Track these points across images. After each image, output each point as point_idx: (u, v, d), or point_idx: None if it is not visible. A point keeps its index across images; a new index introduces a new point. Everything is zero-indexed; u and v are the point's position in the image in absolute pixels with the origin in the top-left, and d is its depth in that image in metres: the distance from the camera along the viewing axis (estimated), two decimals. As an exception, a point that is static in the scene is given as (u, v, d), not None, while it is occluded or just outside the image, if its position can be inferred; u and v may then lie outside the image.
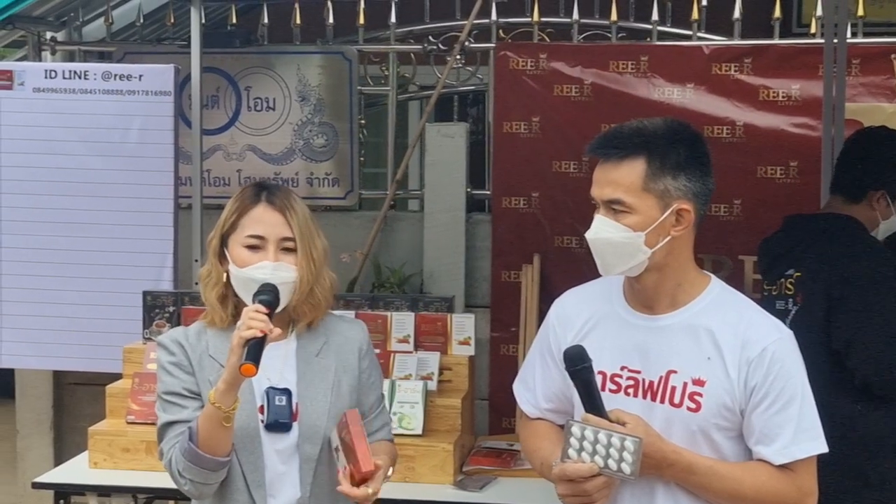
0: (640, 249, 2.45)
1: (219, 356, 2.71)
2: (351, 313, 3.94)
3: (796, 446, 2.45)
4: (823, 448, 2.49)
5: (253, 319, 2.55)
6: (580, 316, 2.62)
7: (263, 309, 2.59)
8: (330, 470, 2.76)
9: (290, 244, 2.72)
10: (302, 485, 2.74)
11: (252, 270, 2.68)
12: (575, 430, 2.41)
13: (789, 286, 3.57)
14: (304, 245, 2.72)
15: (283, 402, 2.72)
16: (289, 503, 2.73)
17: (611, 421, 2.40)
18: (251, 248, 2.71)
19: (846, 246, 3.47)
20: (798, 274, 3.55)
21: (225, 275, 2.75)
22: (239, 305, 2.74)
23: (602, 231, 2.48)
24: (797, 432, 2.45)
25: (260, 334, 2.54)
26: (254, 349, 2.53)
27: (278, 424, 2.71)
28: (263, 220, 2.72)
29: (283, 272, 2.69)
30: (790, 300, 3.55)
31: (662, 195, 2.45)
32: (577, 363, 2.45)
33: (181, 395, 2.73)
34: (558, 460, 2.44)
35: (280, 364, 2.76)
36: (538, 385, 2.71)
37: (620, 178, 2.45)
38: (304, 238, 2.72)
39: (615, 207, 2.46)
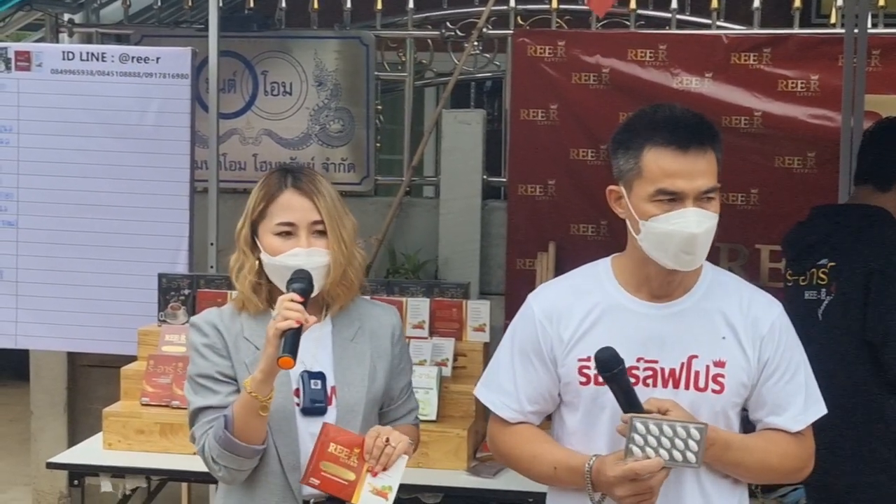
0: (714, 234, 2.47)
1: (254, 339, 2.71)
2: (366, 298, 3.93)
3: (807, 412, 2.54)
4: (824, 409, 2.57)
5: (289, 310, 2.55)
6: (575, 310, 2.56)
7: (298, 298, 2.59)
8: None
9: (319, 227, 2.71)
10: None
11: (285, 258, 2.68)
12: (639, 425, 2.35)
13: (822, 276, 3.52)
14: (333, 227, 2.72)
15: (319, 386, 2.73)
16: None
17: (650, 413, 2.37)
18: (282, 234, 2.71)
19: (884, 238, 3.42)
20: (833, 264, 3.49)
21: (257, 263, 2.74)
22: (273, 292, 2.74)
23: (706, 223, 2.42)
24: (807, 399, 2.54)
25: (296, 325, 2.54)
26: (290, 340, 2.53)
27: (314, 408, 2.72)
28: (292, 206, 2.71)
29: (316, 257, 2.69)
30: (823, 290, 3.51)
31: (719, 177, 2.48)
32: (612, 367, 2.40)
33: (214, 378, 2.72)
34: (623, 460, 2.36)
35: (314, 347, 2.76)
36: (520, 387, 2.64)
37: (709, 167, 2.45)
38: (333, 220, 2.72)
39: (710, 196, 2.44)
